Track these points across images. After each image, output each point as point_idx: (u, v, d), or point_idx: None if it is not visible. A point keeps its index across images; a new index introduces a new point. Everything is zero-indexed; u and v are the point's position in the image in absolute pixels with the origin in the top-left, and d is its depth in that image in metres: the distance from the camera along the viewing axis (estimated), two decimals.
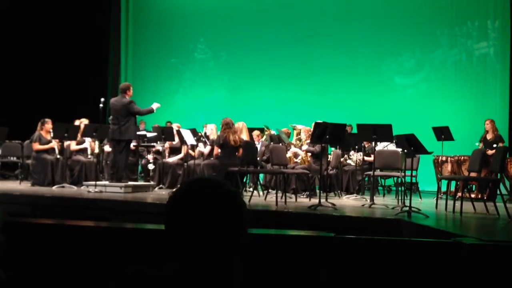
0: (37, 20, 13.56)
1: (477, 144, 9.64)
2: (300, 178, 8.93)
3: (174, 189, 1.34)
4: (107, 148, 9.88)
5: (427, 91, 12.84)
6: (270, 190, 8.99)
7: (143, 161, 10.71)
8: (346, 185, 9.77)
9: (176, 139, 9.96)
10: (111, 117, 8.98)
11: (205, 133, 10.22)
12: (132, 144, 9.54)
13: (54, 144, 9.64)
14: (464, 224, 5.98)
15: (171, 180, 9.89)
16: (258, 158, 9.03)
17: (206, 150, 9.93)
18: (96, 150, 9.92)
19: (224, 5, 14.64)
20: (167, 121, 12.24)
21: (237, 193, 1.32)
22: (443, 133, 9.02)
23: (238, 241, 1.28)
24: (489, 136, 9.72)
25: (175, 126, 10.40)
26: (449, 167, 9.72)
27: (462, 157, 9.57)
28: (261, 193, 9.16)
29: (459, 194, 7.22)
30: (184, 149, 9.90)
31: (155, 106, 8.98)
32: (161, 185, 9.86)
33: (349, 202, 8.31)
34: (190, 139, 9.19)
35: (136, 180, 10.03)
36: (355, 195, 9.24)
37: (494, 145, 9.14)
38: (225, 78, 14.75)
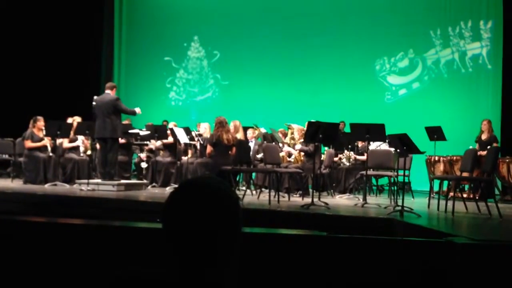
0: (30, 18, 13.50)
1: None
2: (293, 177, 8.93)
3: (173, 188, 1.35)
4: None
5: (420, 91, 12.89)
6: (263, 189, 8.99)
7: (136, 159, 10.69)
8: (339, 184, 9.79)
9: (170, 138, 9.96)
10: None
11: (199, 132, 10.22)
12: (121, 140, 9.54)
13: (47, 141, 9.60)
14: (456, 223, 6.01)
15: (164, 179, 9.88)
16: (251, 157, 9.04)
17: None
18: (89, 149, 9.88)
19: (218, 3, 14.63)
20: (163, 120, 12.23)
21: (233, 193, 1.33)
22: (435, 133, 9.05)
23: (233, 241, 1.29)
24: (484, 136, 9.76)
25: (171, 125, 10.39)
26: (441, 167, 9.76)
27: (455, 157, 9.61)
28: (254, 192, 9.16)
29: (451, 193, 7.25)
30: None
31: (137, 110, 9.02)
32: (154, 184, 9.84)
33: (342, 202, 8.33)
34: (183, 137, 9.18)
35: (129, 178, 10.01)
36: (347, 194, 9.26)
37: (489, 146, 9.17)
38: (219, 76, 14.74)
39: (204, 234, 1.25)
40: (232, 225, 1.29)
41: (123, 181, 8.97)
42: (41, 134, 9.58)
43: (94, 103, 9.07)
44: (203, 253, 1.26)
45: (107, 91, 8.86)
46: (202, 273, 1.26)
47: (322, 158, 9.14)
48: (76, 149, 9.88)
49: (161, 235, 1.29)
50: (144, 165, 10.24)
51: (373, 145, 9.36)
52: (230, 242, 1.29)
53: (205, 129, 9.93)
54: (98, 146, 9.94)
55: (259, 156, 9.54)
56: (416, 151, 6.77)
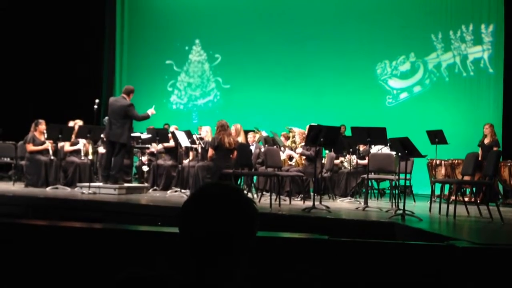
0: (32, 21, 13.53)
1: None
2: (294, 180, 8.93)
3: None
4: (101, 149, 9.86)
5: (421, 95, 12.90)
6: (264, 193, 8.99)
7: (138, 163, 10.69)
8: (340, 187, 9.78)
9: (171, 141, 9.97)
10: (106, 117, 8.96)
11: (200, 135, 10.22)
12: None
13: (48, 145, 9.60)
14: (457, 227, 6.00)
15: (165, 182, 9.88)
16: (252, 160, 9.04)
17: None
18: (90, 153, 9.88)
19: (220, 7, 14.66)
20: (165, 124, 12.24)
21: (250, 199, 1.37)
22: (437, 137, 9.04)
23: (247, 245, 1.32)
24: (486, 141, 9.74)
25: (172, 128, 10.39)
26: (443, 170, 9.75)
27: (456, 161, 9.60)
28: (255, 195, 9.15)
29: (453, 197, 7.24)
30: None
31: (150, 112, 8.90)
32: (155, 187, 9.84)
33: (343, 205, 8.31)
34: (184, 141, 9.18)
35: (130, 181, 10.00)
36: (349, 198, 9.25)
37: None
38: (220, 80, 14.76)
39: (222, 236, 1.28)
40: (249, 228, 1.32)
41: (124, 184, 8.97)
42: (42, 137, 9.59)
43: (96, 106, 9.12)
44: (219, 253, 1.28)
45: (123, 95, 8.81)
46: (215, 273, 1.28)
47: (323, 162, 9.14)
48: (77, 152, 9.88)
49: (179, 238, 1.32)
50: (145, 168, 10.24)
51: (375, 149, 9.36)
52: (246, 244, 1.31)
53: (206, 132, 9.93)
54: (100, 149, 9.96)
55: (260, 159, 9.54)
56: (418, 154, 6.77)
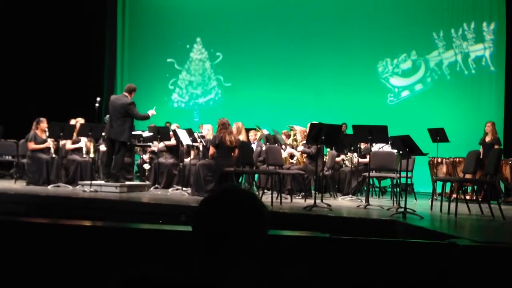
0: (33, 19, 13.53)
1: None
2: (295, 178, 8.93)
3: (207, 194, 1.45)
4: (103, 147, 9.86)
5: (423, 93, 12.88)
6: (265, 191, 8.99)
7: (139, 161, 10.69)
8: (342, 186, 9.78)
9: (173, 139, 9.97)
10: (108, 115, 8.97)
11: (201, 134, 10.22)
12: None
13: (50, 143, 9.61)
14: (458, 225, 6.00)
15: (166, 180, 9.88)
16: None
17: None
18: (92, 152, 9.88)
19: (221, 5, 14.65)
20: (166, 122, 12.24)
21: (262, 204, 1.41)
22: (438, 135, 9.04)
23: (254, 248, 1.37)
24: (488, 139, 9.73)
25: (174, 126, 10.39)
26: (444, 168, 9.75)
27: (457, 159, 9.59)
28: (256, 193, 9.16)
29: (454, 195, 7.23)
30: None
31: (150, 113, 8.89)
32: (156, 185, 9.84)
33: (344, 203, 8.31)
34: (186, 139, 9.18)
35: (131, 180, 10.01)
36: (350, 196, 9.25)
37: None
38: (221, 78, 14.76)
39: (229, 237, 1.32)
40: (257, 232, 1.37)
41: (126, 182, 8.97)
42: (44, 135, 9.59)
43: (97, 104, 9.10)
44: (223, 254, 1.32)
45: (125, 93, 8.82)
46: (216, 273, 1.30)
47: (324, 160, 9.14)
48: (79, 150, 9.89)
49: (178, 235, 1.36)
50: (146, 166, 10.25)
51: (376, 147, 9.35)
52: (252, 247, 1.35)
53: (207, 130, 9.93)
54: (101, 147, 9.96)
55: (261, 157, 9.53)
56: (419, 152, 6.77)
